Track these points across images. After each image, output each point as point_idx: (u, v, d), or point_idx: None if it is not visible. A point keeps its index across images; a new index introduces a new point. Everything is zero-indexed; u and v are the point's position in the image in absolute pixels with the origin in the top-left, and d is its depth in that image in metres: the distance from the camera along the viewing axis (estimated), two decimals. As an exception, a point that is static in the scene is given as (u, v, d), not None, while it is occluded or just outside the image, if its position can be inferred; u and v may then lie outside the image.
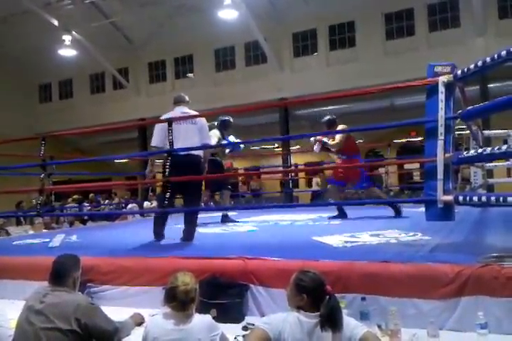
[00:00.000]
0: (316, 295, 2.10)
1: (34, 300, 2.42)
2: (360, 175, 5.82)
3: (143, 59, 17.08)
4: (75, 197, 11.36)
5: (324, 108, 13.81)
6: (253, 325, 2.61)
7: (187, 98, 4.74)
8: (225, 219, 6.20)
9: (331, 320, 2.03)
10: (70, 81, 18.85)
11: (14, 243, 5.10)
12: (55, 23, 14.35)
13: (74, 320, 2.31)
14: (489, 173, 6.98)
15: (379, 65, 12.95)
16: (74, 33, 14.58)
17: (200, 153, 4.39)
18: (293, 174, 11.91)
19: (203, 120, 4.51)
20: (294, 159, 13.47)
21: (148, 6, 14.04)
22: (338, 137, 5.78)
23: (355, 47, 14.03)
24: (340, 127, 5.79)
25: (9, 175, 7.54)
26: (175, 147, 4.07)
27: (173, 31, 15.11)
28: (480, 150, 3.02)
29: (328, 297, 2.08)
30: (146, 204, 11.76)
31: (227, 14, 12.58)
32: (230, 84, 15.26)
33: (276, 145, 17.49)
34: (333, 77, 13.42)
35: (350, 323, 2.07)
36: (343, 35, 14.27)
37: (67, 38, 14.38)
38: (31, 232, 7.05)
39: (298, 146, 17.55)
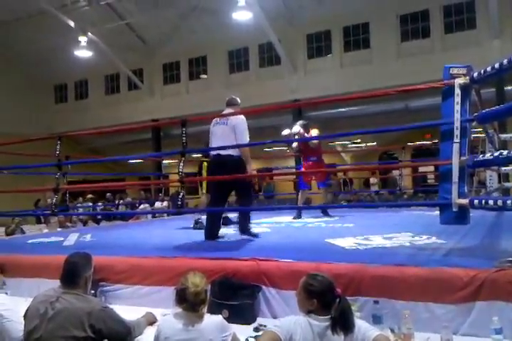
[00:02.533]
0: (327, 298, 2.10)
1: (45, 306, 2.39)
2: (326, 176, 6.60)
3: (157, 60, 17.18)
4: (89, 196, 11.48)
5: (338, 110, 13.79)
6: (265, 326, 2.61)
7: (237, 100, 4.82)
8: (225, 221, 6.06)
9: (343, 323, 2.02)
10: (85, 82, 19.05)
11: (29, 241, 5.16)
12: (71, 24, 14.51)
13: (88, 327, 2.32)
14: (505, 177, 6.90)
15: (393, 66, 12.87)
16: (89, 34, 14.73)
17: (233, 152, 4.37)
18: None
19: (236, 120, 4.47)
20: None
21: (163, 7, 14.14)
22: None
23: (370, 48, 13.96)
24: (315, 131, 6.37)
25: (25, 175, 7.64)
26: (217, 150, 4.43)
27: (187, 32, 15.21)
28: (496, 154, 2.98)
29: (338, 300, 2.07)
30: (157, 204, 11.83)
31: (241, 16, 12.60)
32: (244, 85, 15.27)
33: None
34: (347, 78, 13.36)
35: (362, 326, 2.06)
36: (357, 37, 14.20)
37: (82, 39, 14.53)
38: (46, 231, 7.13)
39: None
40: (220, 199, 4.61)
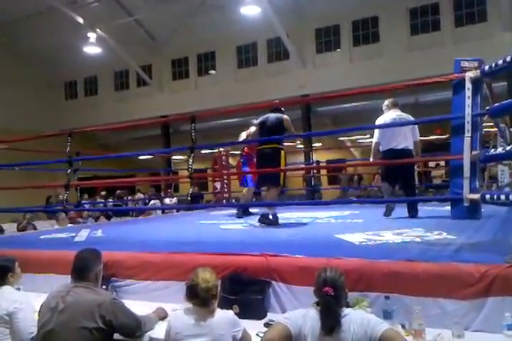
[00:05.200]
0: (317, 294, 2.12)
1: (56, 300, 2.42)
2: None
3: (166, 56, 17.20)
4: (102, 193, 11.58)
5: (347, 105, 13.73)
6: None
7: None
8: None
9: (324, 321, 2.03)
10: (94, 78, 19.13)
11: (41, 237, 5.21)
12: (80, 20, 14.57)
13: (99, 318, 2.34)
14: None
15: (403, 60, 12.78)
16: (98, 30, 14.79)
17: (410, 146, 5.22)
18: (315, 171, 11.87)
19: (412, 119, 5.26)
20: (315, 156, 13.38)
21: (171, 3, 14.14)
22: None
23: (379, 42, 13.86)
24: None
25: (36, 170, 7.71)
26: (393, 144, 5.13)
27: (195, 28, 15.19)
28: (508, 148, 2.95)
29: (322, 298, 2.08)
30: (166, 200, 11.87)
31: (250, 10, 12.56)
32: (252, 80, 15.25)
33: (298, 142, 17.42)
34: (356, 73, 13.29)
35: (372, 320, 2.06)
36: (366, 31, 14.10)
37: (92, 36, 14.59)
38: (57, 227, 7.19)
39: (320, 143, 17.47)
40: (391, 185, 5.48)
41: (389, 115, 5.34)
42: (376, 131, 5.44)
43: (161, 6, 14.35)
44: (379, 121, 5.34)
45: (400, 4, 13.27)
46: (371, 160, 5.61)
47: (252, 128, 6.29)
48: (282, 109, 5.62)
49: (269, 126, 5.28)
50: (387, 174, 5.56)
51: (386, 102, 5.58)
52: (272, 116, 5.39)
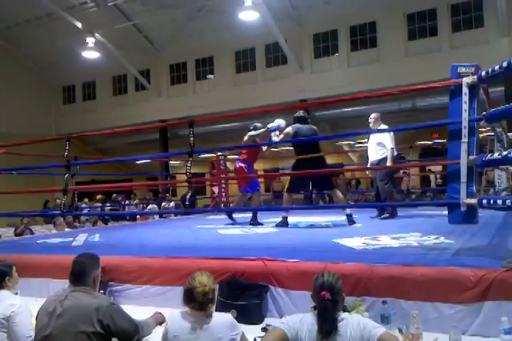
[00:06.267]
0: (315, 299, 2.13)
1: (54, 305, 2.42)
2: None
3: (164, 61, 17.23)
4: (98, 197, 11.55)
5: (345, 109, 13.75)
6: (272, 326, 2.62)
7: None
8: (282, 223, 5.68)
9: (321, 325, 2.03)
10: (93, 83, 19.12)
11: (38, 241, 5.20)
12: (79, 25, 14.60)
13: (97, 322, 2.33)
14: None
15: (401, 65, 12.82)
16: (97, 35, 14.81)
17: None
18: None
19: None
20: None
21: (170, 8, 14.18)
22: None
23: (377, 48, 13.91)
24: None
25: (34, 175, 7.69)
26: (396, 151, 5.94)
27: (193, 33, 15.24)
28: (505, 153, 2.96)
29: (320, 302, 2.08)
30: (163, 204, 11.85)
31: (248, 16, 12.59)
32: (250, 85, 15.28)
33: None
34: (354, 78, 13.33)
35: (368, 324, 2.06)
36: (364, 36, 14.15)
37: (90, 40, 14.61)
38: (54, 231, 7.17)
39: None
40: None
41: (384, 127, 5.97)
42: (389, 139, 5.84)
43: (160, 11, 14.40)
44: (386, 133, 5.81)
45: (397, 10, 13.32)
46: (389, 164, 5.88)
47: (260, 126, 6.42)
48: (308, 118, 5.97)
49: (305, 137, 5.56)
50: (390, 177, 6.09)
51: (374, 115, 6.01)
52: (305, 127, 5.68)
